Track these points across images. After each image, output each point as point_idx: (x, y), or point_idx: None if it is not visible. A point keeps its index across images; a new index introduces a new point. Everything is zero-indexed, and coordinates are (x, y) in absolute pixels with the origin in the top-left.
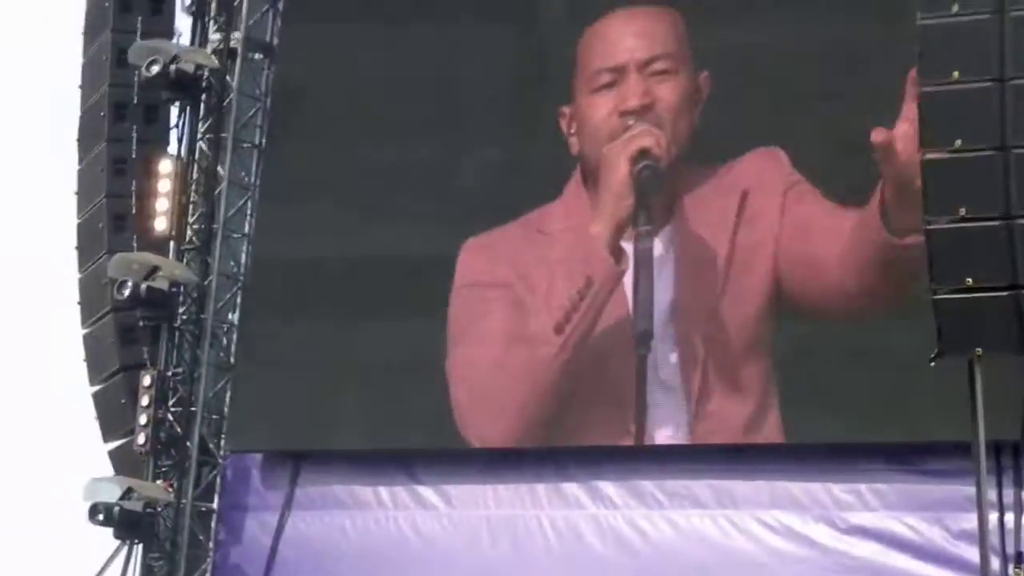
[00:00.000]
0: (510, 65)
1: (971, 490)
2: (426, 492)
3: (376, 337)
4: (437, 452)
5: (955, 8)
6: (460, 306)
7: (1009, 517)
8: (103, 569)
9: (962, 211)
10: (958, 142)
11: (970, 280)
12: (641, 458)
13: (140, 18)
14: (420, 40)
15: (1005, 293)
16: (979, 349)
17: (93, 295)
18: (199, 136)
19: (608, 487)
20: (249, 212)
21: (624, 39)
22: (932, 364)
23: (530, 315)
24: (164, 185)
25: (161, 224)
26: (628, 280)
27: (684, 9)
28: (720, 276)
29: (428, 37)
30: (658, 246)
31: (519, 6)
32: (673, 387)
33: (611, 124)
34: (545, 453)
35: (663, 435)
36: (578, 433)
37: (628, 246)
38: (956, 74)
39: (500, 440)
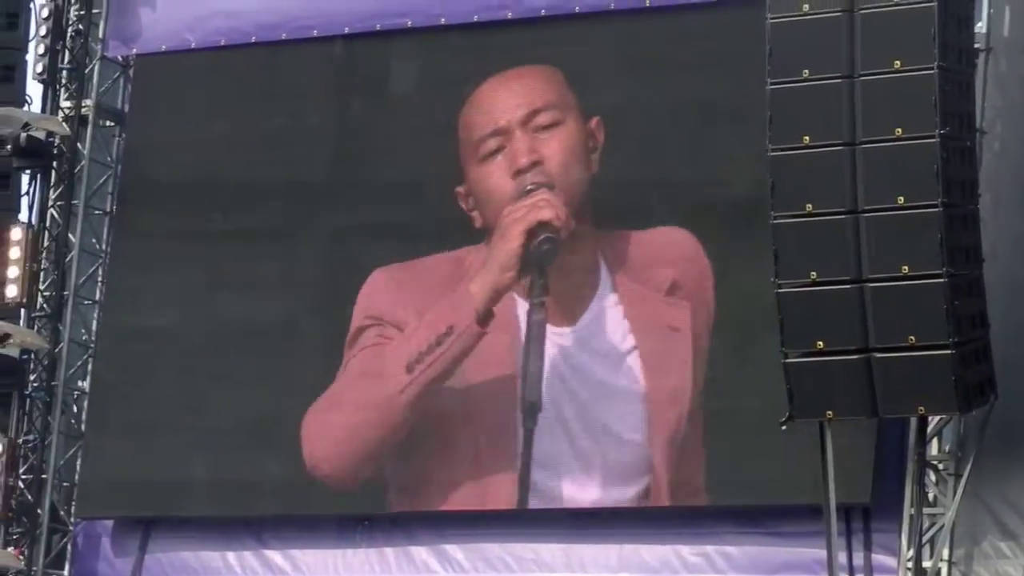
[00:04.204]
0: (360, 135)
1: (821, 553)
2: (274, 556)
3: (225, 403)
4: (285, 517)
5: (805, 7)
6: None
7: None
8: None
9: (813, 275)
10: (808, 206)
11: (821, 343)
12: (489, 522)
13: None
14: (269, 111)
15: (855, 356)
16: (830, 412)
17: None
18: (50, 203)
19: (456, 551)
20: (100, 279)
21: (502, 102)
22: (783, 428)
23: (388, 353)
24: (15, 252)
25: (12, 291)
26: (512, 348)
27: (559, 65)
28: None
29: (277, 109)
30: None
31: (370, 82)
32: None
33: (506, 187)
34: (395, 517)
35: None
36: (437, 497)
37: (522, 314)
38: (807, 138)
39: (338, 470)
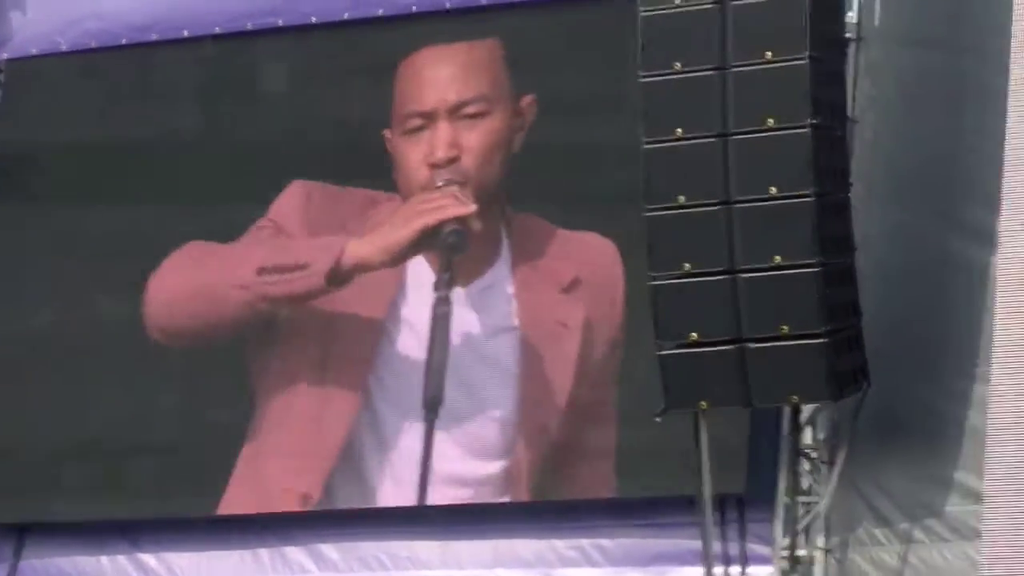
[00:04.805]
0: (233, 135)
1: (696, 543)
2: (148, 560)
3: (97, 408)
4: (158, 521)
5: (677, 0)
6: None
7: (734, 570)
8: None
9: (686, 266)
10: (681, 198)
11: (695, 335)
12: (366, 521)
13: None
14: (140, 112)
15: (729, 347)
16: (704, 403)
17: None
18: None
19: (331, 550)
20: None
21: (436, 81)
22: (657, 420)
23: (249, 246)
24: None
25: None
26: (414, 343)
27: (504, 35)
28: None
29: (148, 110)
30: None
31: (239, 82)
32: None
33: (421, 175)
34: (268, 518)
35: (399, 496)
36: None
37: (423, 311)
38: (679, 131)
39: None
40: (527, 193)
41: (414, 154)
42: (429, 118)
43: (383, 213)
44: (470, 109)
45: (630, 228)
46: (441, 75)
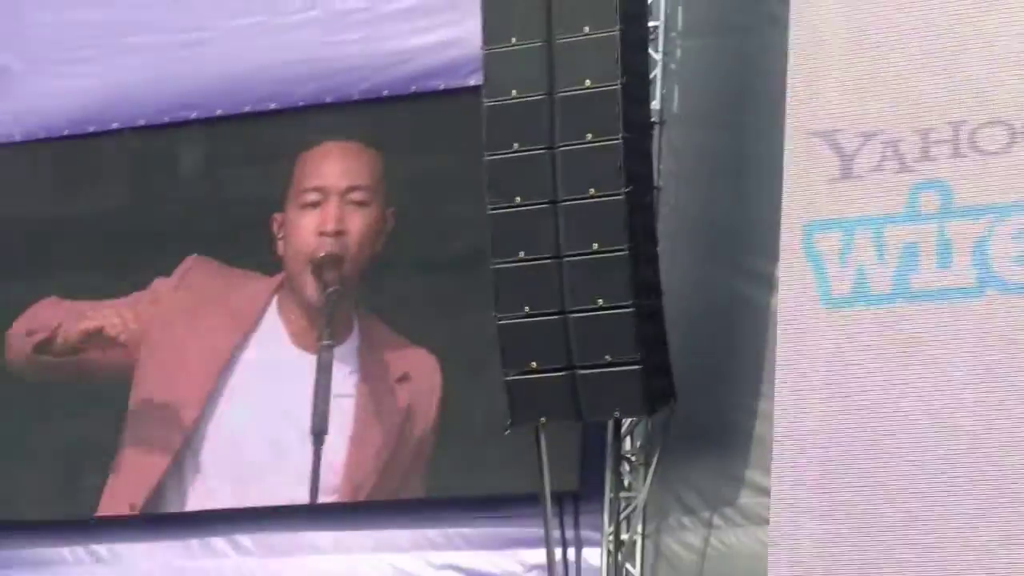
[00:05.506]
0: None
1: (540, 531)
2: (100, 550)
3: (50, 422)
4: (107, 518)
5: (514, 92)
6: None
7: (571, 552)
8: None
9: (526, 309)
10: (521, 253)
11: (534, 363)
12: (276, 517)
13: None
14: (79, 190)
15: (562, 373)
16: (543, 419)
17: None
18: None
19: (246, 539)
20: None
21: (332, 167)
22: (506, 433)
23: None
24: None
25: None
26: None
27: (383, 147)
28: None
29: (86, 189)
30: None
31: (161, 165)
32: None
33: (310, 243)
34: (194, 515)
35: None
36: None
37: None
38: (518, 199)
39: None
40: (376, 292)
41: (308, 224)
42: (324, 194)
43: (244, 295)
44: (356, 196)
45: (451, 341)
46: (337, 164)
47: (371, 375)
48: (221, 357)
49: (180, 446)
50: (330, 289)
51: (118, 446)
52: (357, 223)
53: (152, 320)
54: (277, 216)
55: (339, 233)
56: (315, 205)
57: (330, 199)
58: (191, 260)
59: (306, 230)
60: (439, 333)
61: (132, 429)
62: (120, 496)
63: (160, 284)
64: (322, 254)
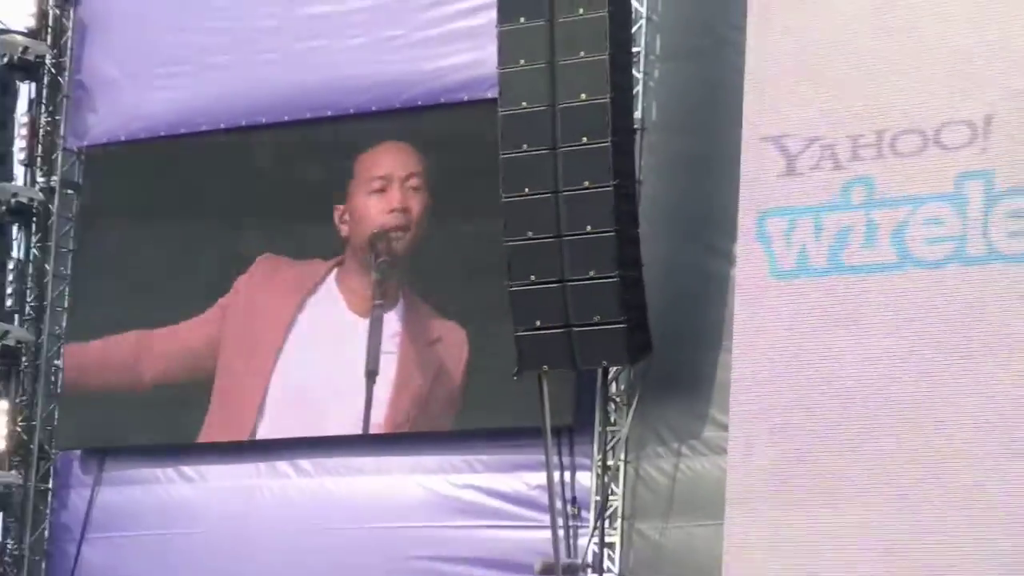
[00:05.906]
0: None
1: (542, 458)
2: (189, 471)
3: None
4: (195, 445)
5: (524, 104)
6: None
7: (567, 474)
8: None
9: (532, 278)
10: (529, 232)
11: (539, 322)
12: (329, 445)
13: None
14: (173, 183)
15: (562, 330)
16: (545, 367)
17: None
18: (32, 245)
19: (305, 463)
20: (67, 294)
21: (392, 160)
22: (515, 378)
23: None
24: (9, 276)
25: (9, 301)
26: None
27: (421, 147)
28: None
29: (180, 182)
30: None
31: (240, 161)
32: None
33: (379, 220)
34: (264, 443)
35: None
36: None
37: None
38: (527, 189)
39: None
40: (419, 275)
41: (375, 206)
42: (387, 181)
43: (307, 270)
44: (412, 182)
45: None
46: (394, 158)
47: (412, 337)
48: (286, 319)
49: (256, 389)
50: (381, 259)
51: (210, 393)
52: (415, 203)
53: (229, 304)
54: (338, 207)
55: (404, 210)
56: (381, 191)
57: (393, 184)
58: (262, 260)
59: (374, 210)
60: (466, 310)
61: (219, 378)
62: (212, 429)
63: (239, 283)
64: (392, 225)
